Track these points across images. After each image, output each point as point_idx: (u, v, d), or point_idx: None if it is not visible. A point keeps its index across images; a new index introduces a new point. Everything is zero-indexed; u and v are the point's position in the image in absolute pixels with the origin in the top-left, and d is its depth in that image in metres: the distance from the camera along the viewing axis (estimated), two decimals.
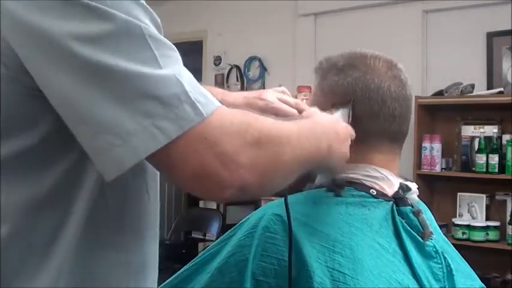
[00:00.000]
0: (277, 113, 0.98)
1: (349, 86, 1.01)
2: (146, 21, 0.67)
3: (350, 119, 0.99)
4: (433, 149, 3.66)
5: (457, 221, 3.57)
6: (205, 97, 0.68)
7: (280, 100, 1.01)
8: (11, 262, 0.70)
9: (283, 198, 0.98)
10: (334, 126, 0.90)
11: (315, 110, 0.95)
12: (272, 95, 1.02)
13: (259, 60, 4.94)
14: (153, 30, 0.67)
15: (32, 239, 0.71)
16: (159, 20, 0.71)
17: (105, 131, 0.63)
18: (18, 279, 0.70)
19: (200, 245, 5.12)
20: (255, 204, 4.22)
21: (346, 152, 0.92)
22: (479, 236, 3.45)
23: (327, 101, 1.03)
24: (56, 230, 0.72)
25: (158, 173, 0.82)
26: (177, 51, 0.70)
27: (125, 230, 0.79)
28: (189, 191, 0.70)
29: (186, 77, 0.68)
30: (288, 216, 0.88)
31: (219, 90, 1.03)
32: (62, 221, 0.72)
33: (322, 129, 0.86)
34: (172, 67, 0.67)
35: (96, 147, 0.65)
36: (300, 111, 0.99)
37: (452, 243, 1.10)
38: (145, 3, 0.69)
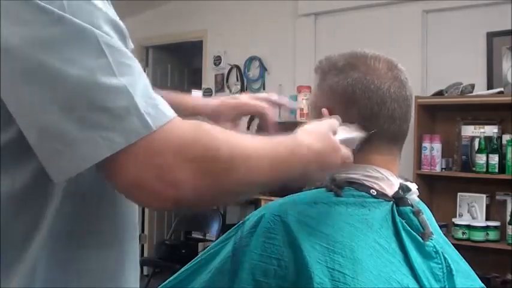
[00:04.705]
0: (248, 109, 1.09)
1: (348, 87, 1.01)
2: (106, 29, 0.67)
3: (358, 146, 0.96)
4: (433, 149, 3.66)
5: (457, 221, 3.57)
6: (157, 109, 0.67)
7: (251, 98, 1.10)
8: None
9: (283, 198, 0.99)
10: (322, 157, 0.85)
11: (314, 130, 0.88)
12: (245, 96, 1.12)
13: (259, 60, 4.94)
14: (109, 38, 0.67)
15: (11, 233, 0.72)
16: (123, 27, 0.71)
17: (53, 138, 0.64)
18: None
19: (200, 245, 5.12)
20: (255, 204, 4.23)
21: (325, 176, 0.97)
22: (479, 236, 3.45)
23: (327, 101, 1.04)
24: (32, 224, 0.73)
25: None
26: (136, 60, 0.70)
27: (101, 223, 0.80)
28: (127, 198, 0.72)
29: (140, 88, 0.67)
30: None
31: (189, 98, 1.12)
32: (38, 216, 0.73)
33: (300, 160, 0.81)
34: (127, 77, 0.66)
35: (44, 152, 0.66)
36: (273, 104, 1.09)
37: (452, 243, 1.10)
38: (107, 12, 0.69)
